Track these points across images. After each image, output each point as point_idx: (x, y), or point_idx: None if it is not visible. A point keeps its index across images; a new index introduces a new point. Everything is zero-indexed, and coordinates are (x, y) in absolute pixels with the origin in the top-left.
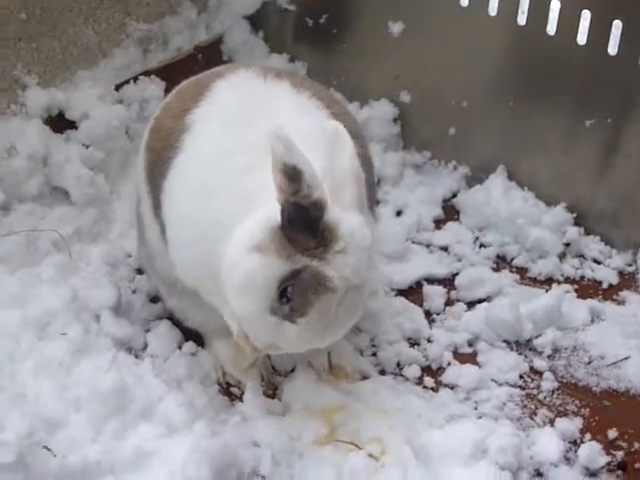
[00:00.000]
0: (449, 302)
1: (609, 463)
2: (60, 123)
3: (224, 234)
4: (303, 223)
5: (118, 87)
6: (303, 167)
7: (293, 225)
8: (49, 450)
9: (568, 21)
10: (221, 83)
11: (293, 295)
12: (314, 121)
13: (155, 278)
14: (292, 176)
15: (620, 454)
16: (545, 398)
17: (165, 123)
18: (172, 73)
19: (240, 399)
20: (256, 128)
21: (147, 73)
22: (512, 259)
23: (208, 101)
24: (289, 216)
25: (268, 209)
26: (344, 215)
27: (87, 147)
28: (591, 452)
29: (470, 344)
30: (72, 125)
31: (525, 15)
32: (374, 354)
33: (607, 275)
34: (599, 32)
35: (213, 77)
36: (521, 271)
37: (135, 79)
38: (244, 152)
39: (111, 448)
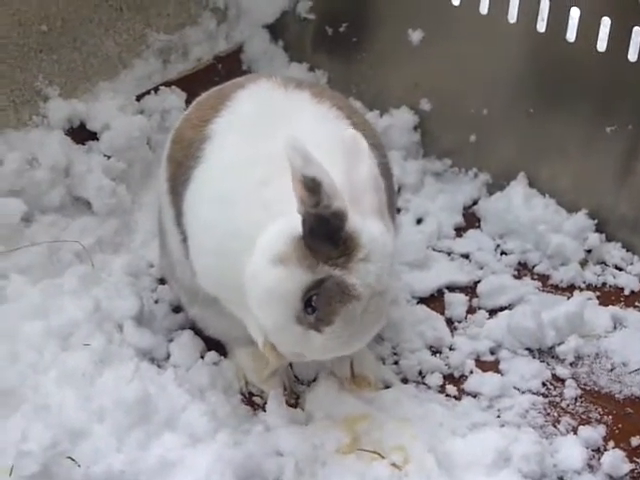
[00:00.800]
0: (471, 310)
1: (632, 471)
2: (81, 134)
3: (245, 244)
4: (324, 233)
5: (139, 98)
6: (322, 178)
7: (314, 236)
8: (73, 460)
9: (588, 28)
10: (242, 93)
11: (318, 304)
12: (334, 131)
13: (177, 287)
14: (312, 188)
15: None
16: (568, 406)
17: (186, 133)
18: (192, 83)
19: (263, 408)
20: (276, 138)
21: (167, 84)
22: (534, 266)
23: (229, 111)
24: (310, 227)
25: (289, 220)
26: (365, 223)
27: (108, 158)
28: (614, 460)
29: (492, 352)
30: (93, 136)
31: (545, 22)
32: (396, 362)
33: (629, 281)
34: (619, 39)
35: (234, 87)
36: (543, 278)
37: (156, 89)
38: (264, 162)
39: (135, 458)
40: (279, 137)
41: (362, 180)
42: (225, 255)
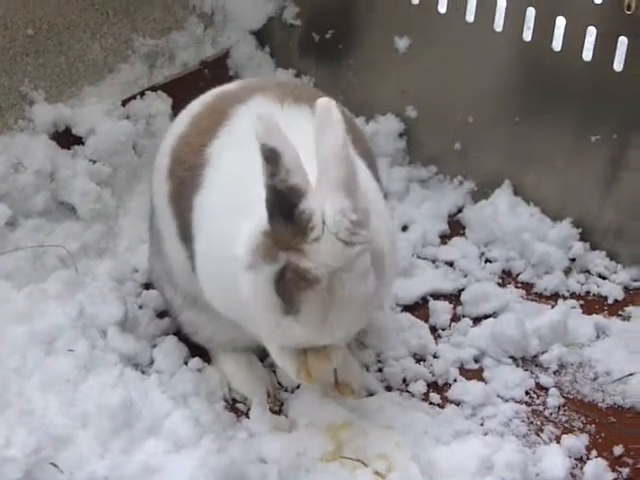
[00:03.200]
0: (455, 318)
1: None
2: (67, 138)
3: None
4: (280, 209)
5: (125, 102)
6: (283, 151)
7: (272, 213)
8: (56, 466)
9: (574, 37)
10: (239, 111)
11: (285, 295)
12: None
13: (171, 291)
14: (270, 158)
15: (626, 471)
16: (551, 414)
17: (186, 157)
18: (178, 88)
19: (246, 415)
20: None
21: (154, 88)
22: (518, 274)
23: (226, 131)
24: (269, 203)
25: (254, 220)
26: (325, 200)
27: (94, 162)
28: (597, 469)
29: (476, 360)
30: (79, 140)
31: (531, 31)
32: (380, 370)
33: (613, 290)
34: (605, 48)
35: (229, 103)
36: (527, 286)
37: (142, 94)
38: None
39: (118, 464)
40: None
41: (330, 152)
42: (231, 283)
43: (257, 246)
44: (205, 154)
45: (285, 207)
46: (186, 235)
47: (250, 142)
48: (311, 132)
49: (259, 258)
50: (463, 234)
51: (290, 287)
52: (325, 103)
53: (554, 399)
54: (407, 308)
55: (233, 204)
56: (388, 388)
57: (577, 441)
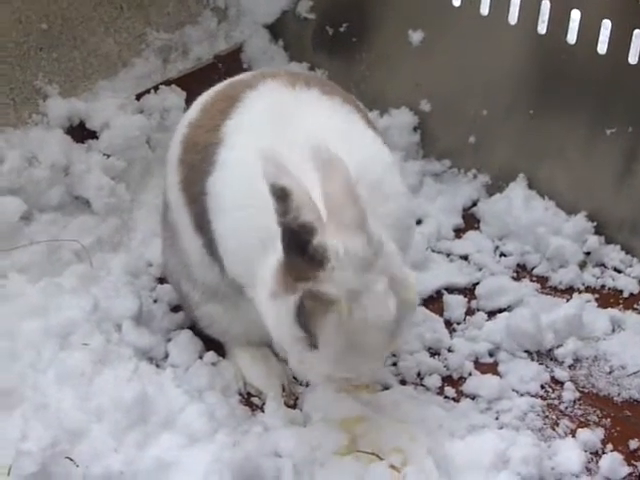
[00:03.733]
0: (469, 311)
1: (630, 474)
2: (81, 133)
3: (262, 246)
4: (294, 246)
5: (139, 97)
6: (292, 188)
7: (287, 249)
8: (72, 460)
9: (588, 30)
10: (250, 94)
11: (304, 324)
12: (350, 125)
13: (188, 286)
14: (280, 197)
15: None
16: (566, 408)
17: (199, 138)
18: (192, 82)
19: (261, 409)
20: (287, 139)
21: (167, 83)
22: (533, 268)
23: (239, 112)
24: (284, 239)
25: (276, 248)
26: (339, 236)
27: (108, 157)
28: (612, 463)
29: (491, 354)
30: (93, 135)
31: (545, 24)
32: (394, 364)
33: (628, 284)
34: (619, 41)
35: (241, 88)
36: (542, 280)
37: (155, 89)
38: None
39: (133, 458)
40: (290, 137)
41: (339, 192)
42: (249, 257)
43: (278, 276)
44: (218, 134)
45: (299, 243)
46: (201, 222)
47: (263, 123)
48: (322, 113)
49: (280, 288)
50: (477, 228)
51: (309, 313)
52: (323, 145)
53: (569, 393)
54: (422, 302)
55: (250, 180)
56: (403, 382)
57: (592, 435)
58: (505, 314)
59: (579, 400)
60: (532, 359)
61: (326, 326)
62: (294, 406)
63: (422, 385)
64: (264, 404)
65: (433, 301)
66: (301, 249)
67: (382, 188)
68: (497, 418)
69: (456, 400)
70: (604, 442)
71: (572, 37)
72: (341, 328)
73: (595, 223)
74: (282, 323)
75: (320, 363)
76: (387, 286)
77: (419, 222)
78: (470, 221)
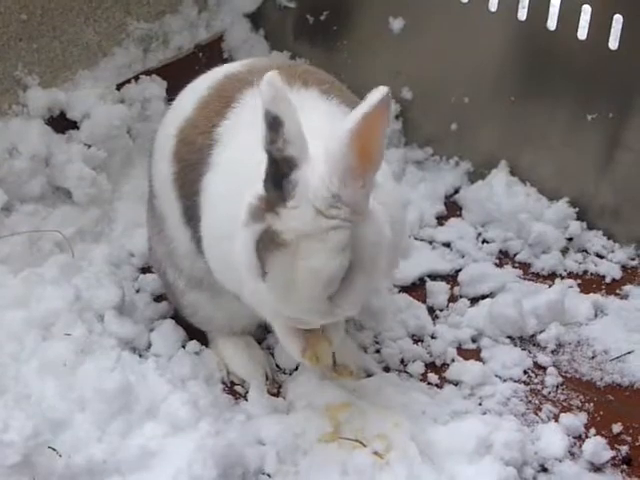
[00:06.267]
0: (452, 298)
1: (614, 458)
2: (61, 123)
3: None
4: (273, 177)
5: (119, 86)
6: (285, 120)
7: (267, 180)
8: (54, 450)
9: (569, 16)
10: (247, 95)
11: (259, 254)
12: None
13: (174, 274)
14: (272, 125)
15: (625, 448)
16: (549, 393)
17: (195, 138)
18: (173, 72)
19: (244, 398)
20: None
21: (148, 72)
22: (515, 254)
23: (235, 112)
24: (266, 168)
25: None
26: (315, 180)
27: (89, 147)
28: (596, 447)
29: (474, 340)
30: (74, 125)
31: (525, 10)
32: (378, 351)
33: (610, 269)
34: (600, 27)
35: (238, 85)
36: (524, 266)
37: (136, 78)
38: None
39: (116, 447)
40: None
41: (340, 144)
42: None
43: (252, 207)
44: (214, 135)
45: (277, 175)
46: (192, 216)
47: (259, 126)
48: (319, 115)
49: (250, 218)
50: (460, 215)
51: (262, 246)
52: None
53: (552, 378)
54: (404, 289)
55: (240, 183)
56: (386, 369)
57: (576, 419)
58: (488, 300)
59: (562, 385)
60: (515, 345)
61: (273, 261)
62: (277, 394)
63: (405, 372)
64: (247, 392)
65: (416, 288)
66: (277, 181)
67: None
68: (480, 404)
69: (439, 386)
70: (587, 426)
71: (552, 23)
72: (285, 267)
73: (577, 209)
74: (244, 250)
75: (267, 296)
76: (345, 241)
77: None
78: (452, 208)
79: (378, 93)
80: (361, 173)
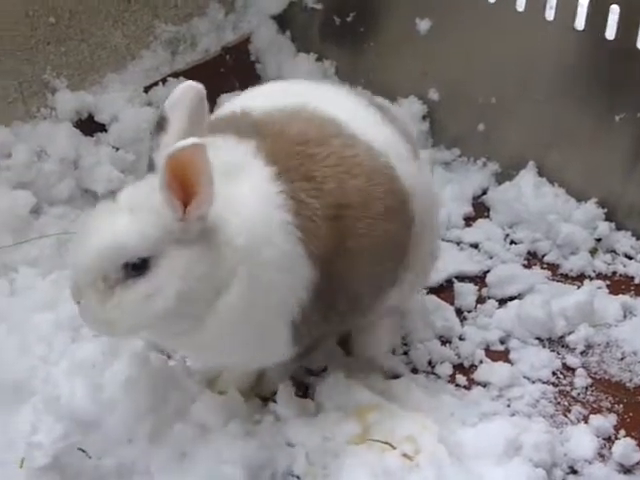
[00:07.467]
0: (480, 300)
1: None
2: (90, 126)
3: None
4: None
5: (147, 89)
6: (169, 126)
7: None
8: (84, 452)
9: (597, 16)
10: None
11: None
12: None
13: None
14: (158, 124)
15: None
16: (578, 395)
17: None
18: (200, 74)
19: (273, 399)
20: None
21: (175, 75)
22: (543, 255)
23: None
24: None
25: None
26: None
27: (117, 149)
28: (625, 448)
29: (502, 341)
30: (102, 128)
31: (553, 10)
32: (406, 353)
33: (639, 270)
34: (628, 26)
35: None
36: (552, 267)
37: (164, 81)
38: None
39: (146, 449)
40: None
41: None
42: None
43: None
44: None
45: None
46: None
47: None
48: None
49: None
50: (488, 216)
51: None
52: None
53: (581, 379)
54: (432, 290)
55: None
56: (414, 370)
57: (605, 421)
58: (516, 302)
59: (591, 386)
60: (543, 346)
61: None
62: (305, 395)
63: (433, 373)
64: (276, 394)
65: (444, 289)
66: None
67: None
68: (509, 405)
69: (467, 388)
70: (617, 428)
71: (580, 23)
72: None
73: (605, 209)
74: None
75: None
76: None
77: None
78: (480, 209)
79: (190, 141)
80: (181, 198)
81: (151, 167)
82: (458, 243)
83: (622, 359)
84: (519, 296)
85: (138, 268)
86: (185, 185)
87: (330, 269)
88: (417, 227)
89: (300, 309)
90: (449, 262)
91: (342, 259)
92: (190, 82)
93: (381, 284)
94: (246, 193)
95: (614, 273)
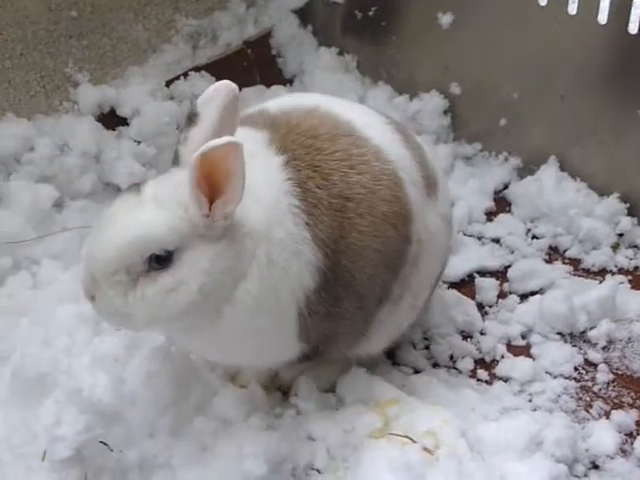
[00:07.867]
0: (502, 294)
1: None
2: (112, 120)
3: None
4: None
5: (168, 83)
6: (201, 122)
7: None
8: (106, 445)
9: (619, 10)
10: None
11: None
12: None
13: None
14: (189, 118)
15: None
16: (600, 390)
17: None
18: (222, 68)
19: (294, 393)
20: None
21: (197, 69)
22: (565, 250)
23: None
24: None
25: None
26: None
27: (139, 143)
28: None
29: (523, 336)
30: (124, 121)
31: (576, 4)
32: (427, 347)
33: None
34: None
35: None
36: (574, 262)
37: (185, 75)
38: None
39: (167, 442)
40: None
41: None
42: None
43: None
44: None
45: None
46: None
47: None
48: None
49: None
50: (509, 210)
51: None
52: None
53: (603, 375)
54: (453, 285)
55: None
56: (435, 365)
57: (627, 417)
58: (537, 297)
59: (613, 382)
60: (565, 341)
61: None
62: (327, 390)
63: (455, 368)
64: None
65: (465, 284)
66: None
67: None
68: (530, 400)
69: (489, 383)
70: (638, 423)
71: (603, 17)
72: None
73: (628, 204)
74: None
75: None
76: (128, 225)
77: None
78: (501, 204)
79: (225, 140)
80: (208, 195)
81: (176, 160)
82: (479, 238)
83: None
84: (540, 291)
85: (162, 261)
86: (214, 183)
87: (335, 260)
88: (414, 247)
89: (306, 297)
90: (470, 257)
91: (346, 254)
92: (225, 81)
93: (380, 290)
94: (259, 180)
95: (636, 268)
